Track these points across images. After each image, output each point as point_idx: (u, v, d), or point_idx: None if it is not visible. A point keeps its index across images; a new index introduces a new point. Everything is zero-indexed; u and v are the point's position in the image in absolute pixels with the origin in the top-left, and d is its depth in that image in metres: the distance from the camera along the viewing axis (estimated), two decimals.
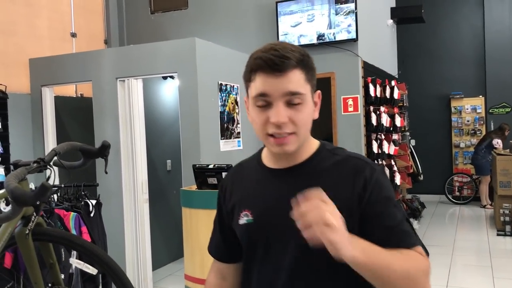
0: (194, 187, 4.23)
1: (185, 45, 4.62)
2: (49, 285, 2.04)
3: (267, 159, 1.26)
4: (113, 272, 1.92)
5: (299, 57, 1.12)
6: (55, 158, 1.91)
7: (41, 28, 5.56)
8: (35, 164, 1.80)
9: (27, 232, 1.74)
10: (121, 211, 4.71)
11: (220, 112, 4.91)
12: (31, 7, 5.42)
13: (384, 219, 1.14)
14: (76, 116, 5.56)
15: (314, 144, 1.24)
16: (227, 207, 1.30)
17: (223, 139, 4.96)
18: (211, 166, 4.15)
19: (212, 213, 4.42)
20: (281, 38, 5.76)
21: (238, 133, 5.26)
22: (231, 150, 5.08)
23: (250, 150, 5.50)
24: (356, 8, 5.46)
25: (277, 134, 1.11)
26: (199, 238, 4.02)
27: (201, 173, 4.17)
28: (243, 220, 1.22)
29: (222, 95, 4.95)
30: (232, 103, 5.14)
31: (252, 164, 1.30)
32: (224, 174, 4.11)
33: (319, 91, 1.21)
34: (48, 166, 1.85)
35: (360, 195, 1.13)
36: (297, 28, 5.71)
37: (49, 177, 1.88)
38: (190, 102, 4.59)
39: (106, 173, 2.22)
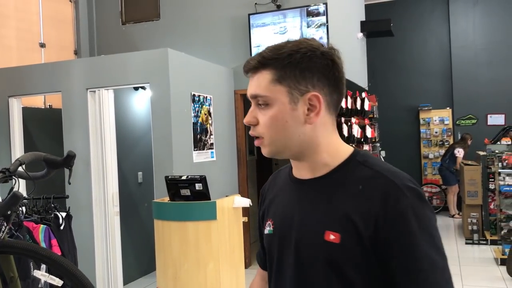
0: (166, 199, 4.18)
1: (158, 55, 4.59)
2: None
3: (295, 168, 1.17)
4: (82, 284, 1.86)
5: (271, 57, 1.06)
6: (20, 168, 1.86)
7: (8, 38, 5.44)
8: (0, 174, 1.74)
9: None
10: (91, 224, 4.61)
11: (193, 123, 4.89)
12: None
13: (406, 263, 0.97)
14: (45, 127, 5.44)
15: (344, 153, 1.11)
16: (260, 214, 1.28)
17: (196, 150, 4.93)
18: (184, 178, 4.11)
19: (185, 225, 4.34)
20: (253, 50, 5.79)
21: (211, 144, 5.24)
22: (204, 161, 5.04)
23: (223, 161, 5.48)
24: (327, 21, 5.55)
25: (251, 135, 1.11)
26: (172, 251, 3.97)
27: (174, 185, 4.12)
28: (266, 230, 1.20)
29: (195, 106, 4.93)
30: (205, 114, 5.12)
31: (284, 173, 1.23)
32: (197, 185, 4.08)
33: (314, 93, 1.06)
34: (13, 177, 1.80)
35: (378, 225, 0.98)
36: (269, 40, 5.76)
37: (12, 188, 1.82)
38: (162, 113, 4.55)
39: (69, 183, 2.17)
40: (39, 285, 2.61)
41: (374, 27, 8.27)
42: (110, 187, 4.68)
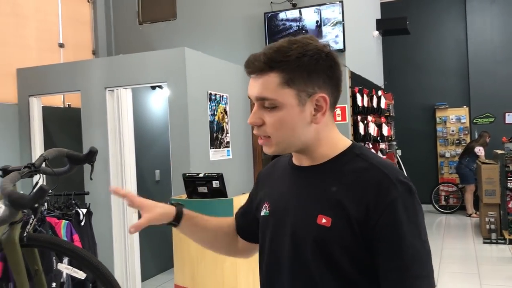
0: (184, 196, 4.22)
1: (175, 54, 4.63)
2: None
3: (295, 157, 1.23)
4: (103, 276, 1.90)
5: (279, 59, 1.07)
6: (44, 163, 1.90)
7: (28, 38, 5.54)
8: (26, 169, 1.79)
9: (25, 234, 1.72)
10: (110, 221, 4.67)
11: (210, 121, 4.93)
12: (18, 17, 5.40)
13: (390, 254, 1.03)
14: (64, 126, 5.52)
15: (340, 145, 1.16)
16: (257, 197, 1.33)
17: (213, 148, 4.97)
18: (201, 175, 4.15)
19: None
20: None
21: (228, 142, 5.27)
22: (220, 160, 5.08)
23: (239, 159, 5.51)
24: (343, 19, 5.55)
25: (256, 135, 1.14)
26: (189, 248, 4.01)
27: (191, 182, 4.16)
28: (262, 212, 1.25)
29: (212, 104, 4.97)
30: (222, 113, 5.16)
31: (285, 160, 1.29)
32: (214, 183, 4.11)
33: (321, 95, 1.10)
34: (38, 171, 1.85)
35: (368, 213, 1.04)
36: (283, 38, 5.77)
37: (37, 183, 1.87)
38: (179, 112, 4.59)
39: (91, 179, 2.22)
40: (61, 279, 2.67)
41: (390, 25, 8.23)
42: (129, 184, 4.74)
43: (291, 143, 1.13)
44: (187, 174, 4.20)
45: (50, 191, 1.82)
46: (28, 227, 1.75)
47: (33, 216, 1.74)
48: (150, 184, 5.62)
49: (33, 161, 1.90)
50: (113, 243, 4.67)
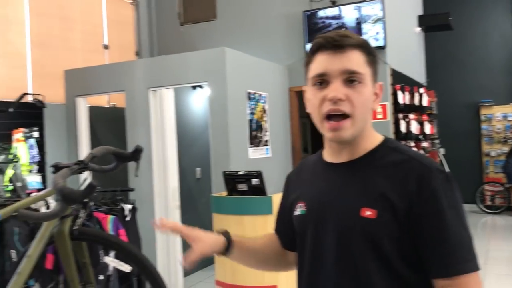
0: (224, 194, 4.29)
1: (215, 55, 4.71)
2: (82, 283, 2.09)
3: (327, 154, 1.26)
4: (147, 270, 1.97)
5: (360, 40, 1.15)
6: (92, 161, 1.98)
7: (75, 41, 5.75)
8: (76, 166, 1.87)
9: (75, 228, 1.81)
10: (153, 217, 4.79)
11: (249, 120, 4.97)
12: (65, 20, 5.61)
13: (437, 242, 1.07)
14: (109, 125, 5.71)
15: (375, 140, 1.21)
16: (288, 200, 1.34)
17: (252, 146, 5.01)
18: (241, 173, 4.20)
19: (242, 219, 4.43)
20: (307, 47, 5.80)
21: (266, 141, 5.30)
22: (259, 158, 5.12)
23: (278, 158, 5.54)
24: (384, 16, 5.47)
25: (333, 111, 1.11)
26: None
27: (231, 180, 4.22)
28: (297, 211, 1.26)
29: (251, 103, 5.01)
30: (261, 111, 5.19)
31: (315, 158, 1.32)
32: (254, 180, 4.15)
33: (381, 83, 1.20)
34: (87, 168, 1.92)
35: (412, 202, 1.07)
36: None
37: (85, 179, 1.96)
38: (219, 111, 4.66)
39: (137, 176, 2.29)
40: (108, 272, 2.77)
41: (432, 21, 8.04)
42: (171, 181, 4.85)
43: (361, 127, 1.15)
44: (227, 172, 4.27)
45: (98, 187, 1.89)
46: (78, 221, 1.83)
47: (82, 211, 1.83)
48: (191, 182, 5.72)
49: (81, 158, 1.98)
50: (156, 239, 4.79)
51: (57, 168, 1.89)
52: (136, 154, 2.07)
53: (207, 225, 5.32)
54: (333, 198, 1.17)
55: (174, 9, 6.71)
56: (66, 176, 1.73)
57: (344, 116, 1.12)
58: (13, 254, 2.62)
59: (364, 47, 1.15)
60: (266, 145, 5.30)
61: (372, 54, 1.17)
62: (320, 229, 1.19)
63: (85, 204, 1.74)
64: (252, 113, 5.02)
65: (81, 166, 1.87)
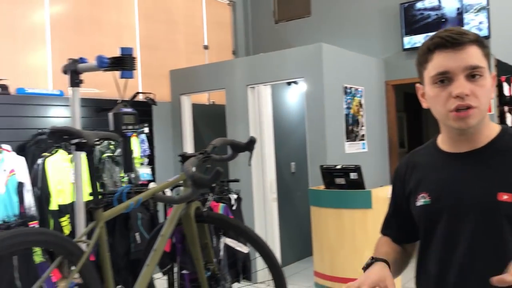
0: (321, 187, 4.37)
1: (312, 50, 4.80)
2: (203, 262, 2.28)
3: (443, 144, 1.31)
4: (265, 252, 2.12)
5: (475, 35, 1.21)
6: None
7: (178, 42, 6.13)
8: (200, 155, 2.06)
9: (204, 210, 2.01)
10: (252, 208, 5.00)
11: (345, 114, 5.00)
12: (171, 23, 6.00)
13: None
14: (209, 121, 6.02)
15: (495, 128, 1.27)
16: (404, 192, 1.38)
17: (348, 141, 5.04)
18: (338, 167, 4.26)
19: (340, 212, 4.47)
20: (405, 40, 5.69)
21: (363, 135, 5.30)
22: (355, 152, 5.13)
23: (374, 152, 5.51)
24: (488, 4, 5.22)
25: (460, 106, 1.17)
26: (329, 236, 4.15)
27: (329, 174, 4.30)
28: (420, 202, 1.30)
29: (347, 98, 5.04)
30: (357, 106, 5.20)
31: (427, 151, 1.37)
32: (352, 174, 4.19)
33: (494, 73, 1.27)
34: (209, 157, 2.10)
35: None
36: (424, 29, 5.60)
37: (207, 167, 2.14)
38: (316, 106, 4.75)
39: (250, 165, 2.43)
40: (219, 256, 2.97)
41: None
42: (268, 175, 5.03)
43: (484, 116, 1.22)
44: (324, 166, 4.35)
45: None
46: (206, 203, 2.02)
47: (210, 195, 2.01)
48: (286, 176, 5.87)
49: (184, 150, 2.15)
50: (255, 230, 4.99)
51: (183, 157, 2.10)
52: (250, 144, 2.22)
53: (303, 218, 5.46)
54: (465, 186, 1.22)
55: (269, 7, 6.88)
56: (195, 164, 1.91)
57: (469, 107, 1.18)
58: (137, 236, 2.91)
59: (479, 41, 1.21)
60: (363, 140, 5.29)
61: (486, 47, 1.22)
62: (454, 216, 1.23)
63: (213, 189, 1.92)
64: (348, 108, 5.05)
65: (205, 156, 2.05)
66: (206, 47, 6.42)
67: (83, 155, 1.69)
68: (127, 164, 2.20)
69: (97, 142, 1.57)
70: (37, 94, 4.46)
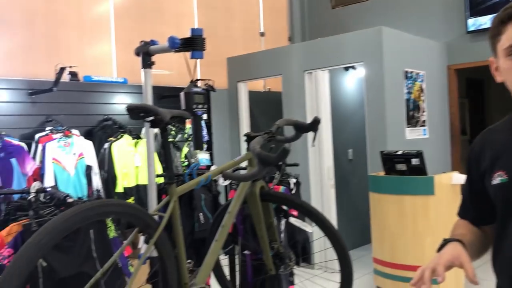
0: (381, 174, 4.30)
1: (371, 34, 4.70)
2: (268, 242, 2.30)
3: None
4: (329, 231, 2.12)
5: None
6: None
7: (235, 30, 6.18)
8: (265, 135, 2.08)
9: (272, 184, 2.03)
10: (309, 194, 4.99)
11: (406, 99, 4.88)
12: (228, 11, 6.07)
13: None
14: (265, 108, 6.05)
15: None
16: (478, 171, 1.35)
17: (409, 127, 4.92)
18: (399, 153, 4.17)
19: (401, 199, 4.37)
20: (470, 22, 5.46)
21: (424, 121, 5.15)
22: (416, 139, 5.00)
23: (435, 139, 5.35)
24: None
25: None
26: (389, 223, 4.08)
27: (389, 160, 4.21)
28: (496, 180, 1.26)
29: (408, 82, 4.91)
30: (418, 91, 5.06)
31: (503, 127, 1.32)
32: (413, 160, 4.09)
33: None
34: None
35: None
36: (490, 9, 5.35)
37: (271, 147, 2.16)
38: (376, 90, 4.66)
39: (313, 146, 2.42)
40: (280, 237, 3.00)
41: None
42: (326, 161, 5.00)
43: None
44: (384, 152, 4.27)
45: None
46: (274, 181, 2.05)
47: (277, 173, 2.04)
48: (343, 163, 5.81)
49: (241, 139, 2.15)
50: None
51: (249, 137, 2.13)
52: (315, 124, 2.22)
53: (360, 206, 5.40)
54: None
55: None
56: (261, 143, 1.93)
57: None
58: (201, 216, 2.99)
59: None
60: (424, 126, 5.15)
61: None
62: None
63: (279, 167, 1.94)
64: (409, 93, 4.92)
65: (270, 135, 2.07)
66: (262, 34, 6.44)
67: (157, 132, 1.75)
68: (198, 142, 2.25)
69: (171, 120, 1.62)
70: (102, 82, 4.65)
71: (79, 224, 1.37)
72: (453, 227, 1.43)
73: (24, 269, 1.18)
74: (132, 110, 1.55)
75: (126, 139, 4.36)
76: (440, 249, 1.26)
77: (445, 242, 1.27)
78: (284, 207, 2.92)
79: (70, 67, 4.18)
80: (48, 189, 2.16)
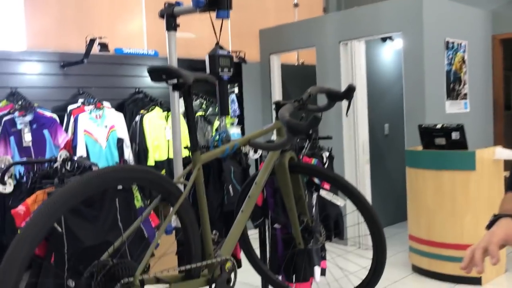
0: (419, 148, 4.12)
1: (411, 2, 4.46)
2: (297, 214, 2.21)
3: None
4: (362, 204, 2.01)
5: None
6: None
7: (268, 1, 6.01)
8: (296, 103, 1.97)
9: (302, 155, 1.94)
10: (342, 169, 4.86)
11: (446, 71, 4.64)
12: None
13: None
14: (298, 82, 5.89)
15: None
16: None
17: (449, 100, 4.69)
18: (439, 126, 3.98)
19: (440, 174, 4.20)
20: None
21: (465, 94, 4.90)
22: (457, 113, 4.77)
23: (477, 113, 5.09)
24: None
25: None
26: (426, 200, 3.93)
27: (428, 134, 4.04)
28: None
29: (449, 53, 4.66)
30: (459, 62, 4.80)
31: None
32: (454, 134, 3.90)
33: None
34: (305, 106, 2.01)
35: None
36: None
37: (302, 116, 2.05)
38: (415, 62, 4.45)
39: (347, 116, 2.30)
40: (312, 212, 2.92)
41: None
42: (361, 136, 4.85)
43: None
44: (423, 126, 4.09)
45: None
46: (303, 151, 1.95)
47: (307, 142, 1.94)
48: (379, 137, 5.63)
49: (273, 114, 2.05)
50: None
51: (278, 105, 2.02)
52: (349, 93, 2.09)
53: (396, 182, 5.24)
54: None
55: None
56: (290, 111, 1.82)
57: None
58: (230, 189, 2.93)
59: None
60: (465, 99, 4.90)
61: None
62: None
63: (310, 136, 1.84)
64: (450, 64, 4.67)
65: (300, 103, 1.97)
66: (296, 5, 6.25)
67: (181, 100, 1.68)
68: (223, 106, 2.16)
69: (195, 83, 1.54)
70: (133, 54, 4.61)
71: (98, 189, 1.31)
72: (501, 201, 1.31)
73: (38, 231, 1.13)
74: (154, 72, 1.47)
75: (158, 112, 4.33)
76: (490, 225, 1.15)
77: (496, 218, 1.16)
78: (316, 181, 2.82)
79: (100, 38, 4.15)
80: (74, 158, 2.14)
